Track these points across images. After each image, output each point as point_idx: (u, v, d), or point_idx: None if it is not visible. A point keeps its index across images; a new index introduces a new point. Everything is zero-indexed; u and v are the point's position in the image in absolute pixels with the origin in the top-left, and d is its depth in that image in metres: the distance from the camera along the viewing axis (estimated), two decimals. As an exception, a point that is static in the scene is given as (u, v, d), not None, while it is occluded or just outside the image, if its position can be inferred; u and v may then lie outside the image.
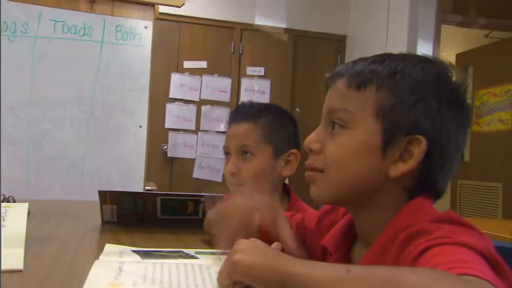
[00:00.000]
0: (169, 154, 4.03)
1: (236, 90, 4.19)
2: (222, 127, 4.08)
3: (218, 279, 0.61)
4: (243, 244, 0.62)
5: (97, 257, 0.74)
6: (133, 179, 2.33)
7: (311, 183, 0.74)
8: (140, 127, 2.36)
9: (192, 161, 4.10)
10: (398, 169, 0.67)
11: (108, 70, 2.43)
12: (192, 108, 4.12)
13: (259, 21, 4.22)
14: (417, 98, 0.67)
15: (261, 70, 4.25)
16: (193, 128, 4.13)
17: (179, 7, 2.87)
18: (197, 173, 4.13)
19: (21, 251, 0.76)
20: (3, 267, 0.67)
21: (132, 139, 2.37)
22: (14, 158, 2.30)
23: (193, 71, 4.10)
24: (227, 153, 1.28)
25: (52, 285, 0.61)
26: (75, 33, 2.39)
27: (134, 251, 0.82)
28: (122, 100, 2.40)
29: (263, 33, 4.23)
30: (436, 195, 0.71)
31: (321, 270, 0.53)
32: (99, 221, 1.15)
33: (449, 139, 0.68)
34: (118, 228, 1.10)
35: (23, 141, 2.33)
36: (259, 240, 0.64)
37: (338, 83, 0.72)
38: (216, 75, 4.14)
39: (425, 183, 0.69)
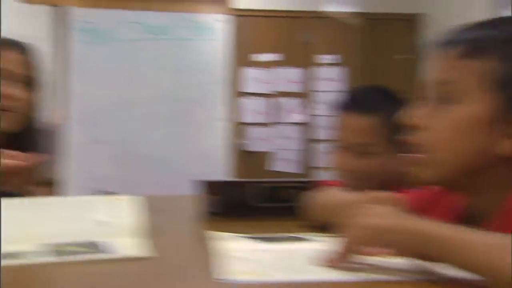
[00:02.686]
0: (245, 148, 4.06)
1: (308, 80, 4.14)
2: (296, 118, 4.06)
3: (331, 260, 0.58)
4: (371, 209, 0.58)
5: (213, 244, 0.74)
6: (219, 173, 2.38)
7: (417, 164, 0.69)
8: (220, 120, 2.40)
9: (268, 154, 4.11)
10: None
11: (188, 66, 2.50)
12: (266, 101, 4.11)
13: (328, 7, 4.14)
14: None
15: (333, 58, 4.17)
16: (268, 121, 4.13)
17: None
18: (274, 166, 4.13)
19: (144, 240, 0.78)
20: (133, 254, 0.68)
21: (213, 133, 2.42)
22: (109, 157, 2.44)
23: (265, 64, 4.10)
24: (339, 145, 1.21)
25: (185, 270, 0.61)
26: (157, 33, 2.48)
27: (250, 237, 0.81)
28: (202, 95, 2.46)
29: (332, 20, 4.14)
30: None
31: (468, 233, 0.50)
32: (200, 213, 1.17)
33: None
34: (221, 218, 1.11)
35: (116, 141, 2.46)
36: (386, 206, 0.61)
37: (448, 52, 0.67)
38: (288, 66, 4.12)
39: None
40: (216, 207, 1.16)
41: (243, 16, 3.89)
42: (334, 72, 4.14)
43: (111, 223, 0.82)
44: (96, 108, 2.45)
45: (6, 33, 2.42)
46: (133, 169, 2.50)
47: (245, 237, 0.82)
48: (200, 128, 2.55)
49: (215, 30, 2.57)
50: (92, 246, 0.73)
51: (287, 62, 4.08)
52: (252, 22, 4.02)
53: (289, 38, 4.08)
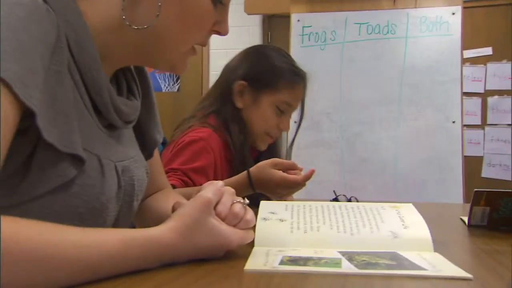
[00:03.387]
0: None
1: (531, 75, 3.65)
2: (514, 119, 3.63)
3: None
4: None
5: None
6: (449, 180, 2.18)
7: None
8: (454, 122, 2.21)
9: (480, 159, 3.74)
10: None
11: (414, 65, 2.38)
12: (476, 101, 3.76)
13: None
14: None
15: None
16: (479, 122, 3.76)
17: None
18: (486, 172, 3.75)
19: (439, 255, 0.70)
20: (450, 274, 0.61)
21: (444, 136, 2.24)
22: (330, 160, 2.46)
23: (475, 61, 3.74)
24: None
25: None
26: (379, 32, 2.42)
27: None
28: (431, 95, 2.31)
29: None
30: None
31: None
32: (470, 224, 1.04)
33: None
34: (488, 232, 0.98)
35: (338, 144, 2.47)
36: None
37: None
38: (504, 61, 3.69)
39: None
40: (483, 219, 1.03)
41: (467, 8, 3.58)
42: None
43: (401, 233, 0.76)
44: (319, 111, 2.49)
45: (228, 43, 2.62)
46: (358, 173, 2.47)
47: None
48: (431, 131, 2.39)
49: (451, 24, 2.38)
50: (392, 259, 0.67)
51: (503, 57, 3.66)
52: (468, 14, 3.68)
53: (505, 29, 3.64)
